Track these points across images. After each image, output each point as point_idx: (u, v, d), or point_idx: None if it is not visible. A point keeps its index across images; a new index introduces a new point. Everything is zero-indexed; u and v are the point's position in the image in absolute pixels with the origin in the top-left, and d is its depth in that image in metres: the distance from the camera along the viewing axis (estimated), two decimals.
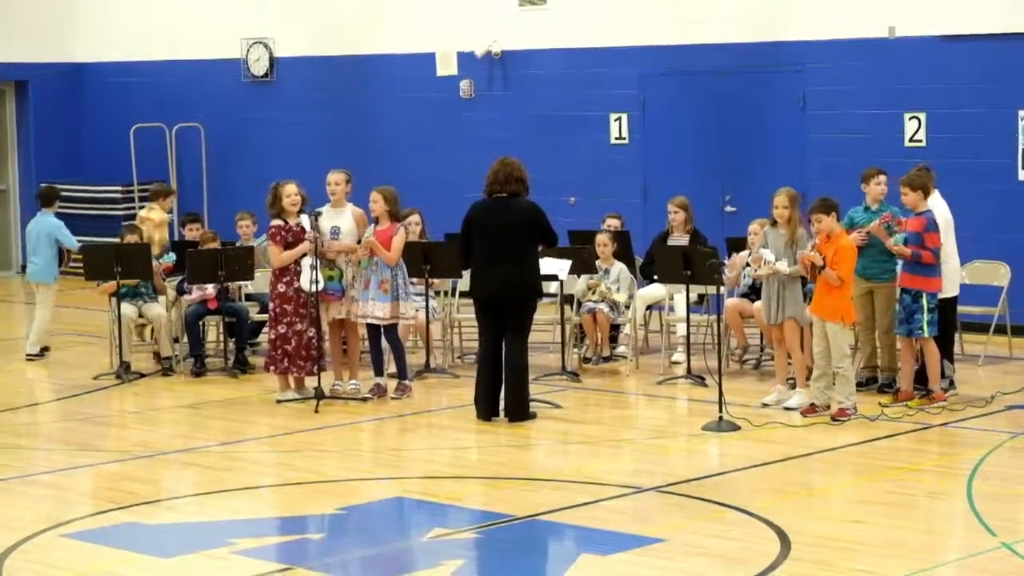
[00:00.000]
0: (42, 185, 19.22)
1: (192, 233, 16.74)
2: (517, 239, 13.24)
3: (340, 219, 14.24)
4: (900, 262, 13.60)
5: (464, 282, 15.26)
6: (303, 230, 14.05)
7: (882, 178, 14.11)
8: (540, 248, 13.52)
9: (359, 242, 14.18)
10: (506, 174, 13.30)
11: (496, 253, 13.22)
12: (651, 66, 19.19)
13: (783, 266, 13.41)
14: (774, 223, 13.67)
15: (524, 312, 13.38)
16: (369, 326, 14.26)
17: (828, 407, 13.17)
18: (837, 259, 12.99)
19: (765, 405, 13.64)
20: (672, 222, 15.97)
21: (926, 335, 13.32)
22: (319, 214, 14.07)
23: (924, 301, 13.29)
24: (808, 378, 13.43)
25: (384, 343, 14.32)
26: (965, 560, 9.48)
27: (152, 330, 16.17)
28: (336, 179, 14.29)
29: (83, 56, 24.26)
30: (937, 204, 13.86)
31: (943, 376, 13.67)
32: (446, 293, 16.08)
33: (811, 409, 13.22)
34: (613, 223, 16.47)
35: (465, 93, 20.71)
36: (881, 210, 13.93)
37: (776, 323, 13.62)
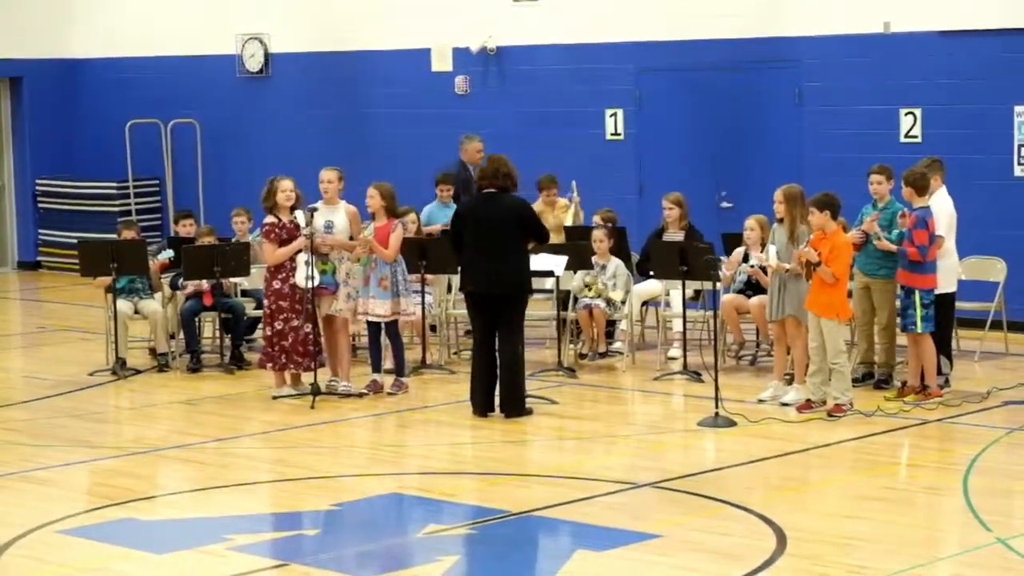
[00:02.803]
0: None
1: (185, 229, 16.71)
2: (506, 235, 13.25)
3: (334, 215, 14.23)
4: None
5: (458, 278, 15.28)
6: (296, 227, 14.04)
7: (878, 177, 14.06)
8: (531, 244, 13.55)
9: (352, 238, 14.18)
10: (494, 170, 13.34)
11: (486, 249, 13.24)
12: (647, 61, 19.18)
13: (771, 259, 13.43)
14: (781, 220, 13.68)
15: (515, 307, 13.39)
16: (369, 323, 14.27)
17: (824, 403, 13.17)
18: (832, 256, 12.98)
19: (761, 401, 13.64)
20: (667, 218, 15.97)
21: (919, 330, 13.33)
22: (315, 210, 14.06)
23: (917, 297, 13.31)
24: (784, 374, 13.48)
25: (384, 339, 14.34)
26: (961, 555, 9.48)
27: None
28: (328, 177, 14.30)
29: (78, 52, 24.24)
30: (941, 199, 13.86)
31: (939, 373, 13.68)
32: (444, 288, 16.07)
33: (807, 405, 13.22)
34: (599, 220, 16.38)
35: (460, 89, 20.70)
36: (886, 207, 13.92)
37: (777, 319, 13.62)
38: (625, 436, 12.97)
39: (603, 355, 15.81)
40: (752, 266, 14.27)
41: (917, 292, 13.32)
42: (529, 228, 13.38)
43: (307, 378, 14.12)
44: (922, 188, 13.49)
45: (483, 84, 20.58)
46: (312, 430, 13.08)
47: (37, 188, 24.01)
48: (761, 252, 14.01)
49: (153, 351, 15.98)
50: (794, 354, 13.67)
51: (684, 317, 15.17)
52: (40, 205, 24.03)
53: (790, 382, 13.70)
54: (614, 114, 19.57)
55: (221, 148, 22.70)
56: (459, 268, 13.79)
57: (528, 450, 12.59)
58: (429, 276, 15.40)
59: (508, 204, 13.32)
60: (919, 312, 13.29)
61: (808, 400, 13.24)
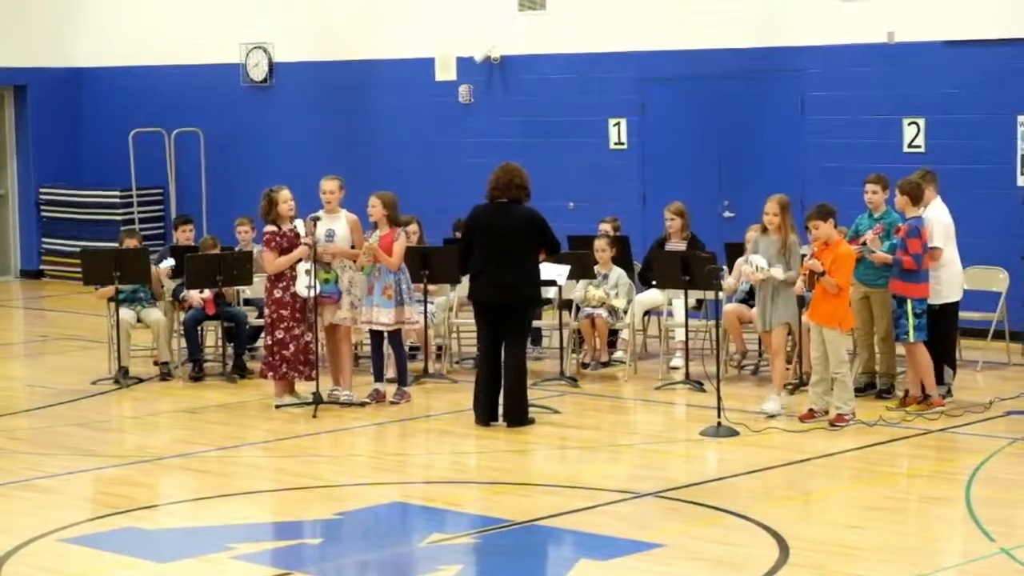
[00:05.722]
0: None
1: (184, 235, 16.69)
2: (518, 245, 13.24)
3: (335, 224, 14.24)
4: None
5: (462, 287, 15.27)
6: (297, 236, 14.05)
7: (873, 187, 14.04)
8: (542, 255, 13.53)
9: (353, 247, 14.20)
10: (507, 180, 13.31)
11: (497, 258, 13.23)
12: (650, 71, 19.18)
13: (778, 272, 13.43)
14: (764, 230, 13.68)
15: (523, 317, 13.40)
16: (372, 331, 14.27)
17: (826, 412, 13.17)
18: (835, 266, 13.00)
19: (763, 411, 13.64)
20: (669, 228, 15.98)
21: (911, 340, 13.34)
22: (317, 219, 14.08)
23: (908, 307, 13.32)
24: (785, 385, 13.46)
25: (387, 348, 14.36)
26: (963, 565, 9.48)
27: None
28: (330, 187, 14.32)
29: (82, 61, 24.25)
30: (938, 209, 13.86)
31: (942, 383, 13.68)
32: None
33: (809, 415, 13.21)
34: (605, 227, 16.40)
35: (464, 98, 20.70)
36: (882, 218, 13.92)
37: (767, 329, 13.63)
38: (627, 445, 12.97)
39: (605, 364, 15.81)
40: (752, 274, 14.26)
41: (909, 302, 13.34)
42: (541, 238, 13.37)
43: (305, 387, 14.12)
44: (916, 198, 13.51)
45: (487, 93, 20.58)
46: (314, 439, 13.09)
47: (40, 197, 24.01)
48: (746, 264, 13.91)
49: (156, 360, 15.96)
50: (777, 363, 13.63)
51: (686, 327, 15.17)
52: (43, 214, 24.04)
53: (792, 392, 13.70)
54: (617, 124, 19.57)
55: (225, 157, 22.70)
56: (468, 277, 13.75)
57: (531, 459, 12.58)
58: (432, 287, 15.39)
59: (520, 214, 13.30)
60: (911, 321, 13.32)
61: (811, 409, 13.24)
